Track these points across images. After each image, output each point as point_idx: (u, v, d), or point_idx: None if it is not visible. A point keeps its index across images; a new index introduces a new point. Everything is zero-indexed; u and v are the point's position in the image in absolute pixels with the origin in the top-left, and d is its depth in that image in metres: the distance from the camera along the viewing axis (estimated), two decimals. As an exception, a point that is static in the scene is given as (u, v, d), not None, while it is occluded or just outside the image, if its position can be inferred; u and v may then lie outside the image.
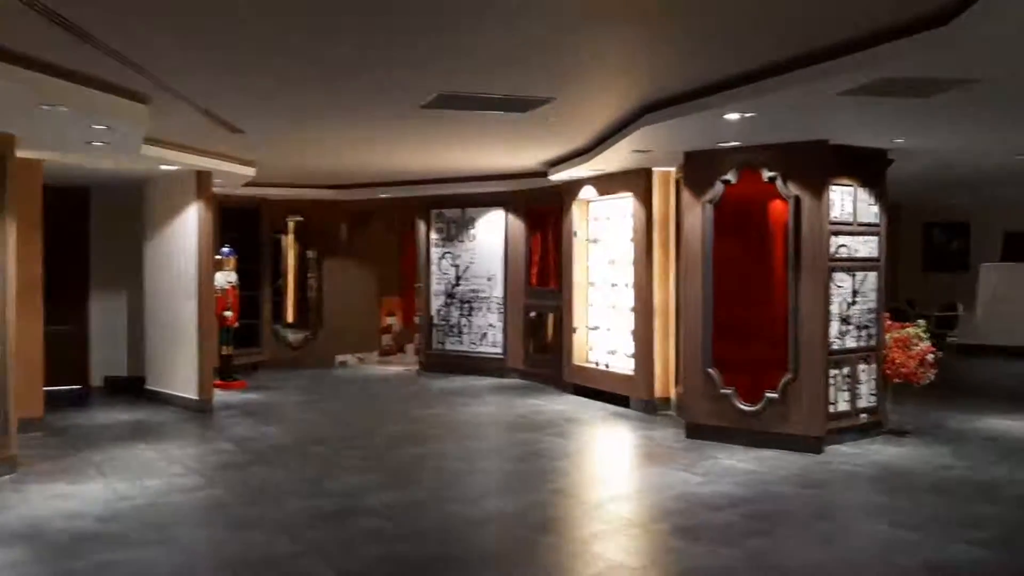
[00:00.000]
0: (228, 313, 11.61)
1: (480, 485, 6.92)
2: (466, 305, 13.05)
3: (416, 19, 4.56)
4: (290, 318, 14.10)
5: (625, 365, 10.21)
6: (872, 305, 8.30)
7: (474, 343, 12.97)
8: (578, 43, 5.07)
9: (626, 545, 5.41)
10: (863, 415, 8.19)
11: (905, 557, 5.06)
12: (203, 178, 10.00)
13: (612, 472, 7.62)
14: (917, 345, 8.51)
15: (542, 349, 12.15)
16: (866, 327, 8.24)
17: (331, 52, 5.21)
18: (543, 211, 12.05)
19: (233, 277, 11.80)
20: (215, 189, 10.48)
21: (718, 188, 8.22)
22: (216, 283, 11.03)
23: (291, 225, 14.05)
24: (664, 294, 9.80)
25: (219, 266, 11.41)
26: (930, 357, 8.50)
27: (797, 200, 7.83)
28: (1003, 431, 8.66)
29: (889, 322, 8.61)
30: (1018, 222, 14.59)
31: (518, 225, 12.53)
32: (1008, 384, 11.64)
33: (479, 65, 5.57)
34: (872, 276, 8.30)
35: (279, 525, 5.73)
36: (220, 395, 10.70)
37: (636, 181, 9.86)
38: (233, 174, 10.22)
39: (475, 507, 6.15)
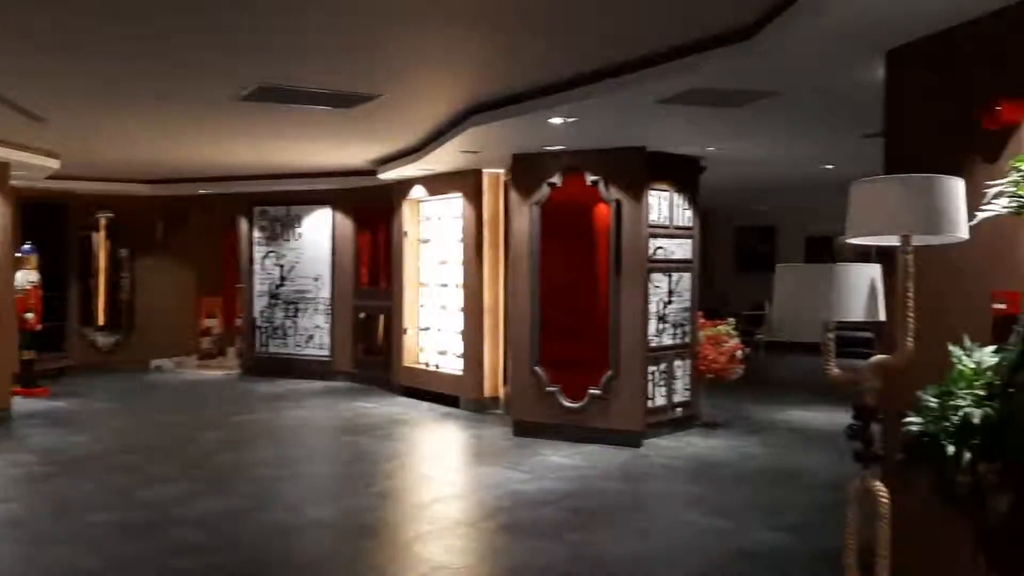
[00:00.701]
0: (29, 315, 10.77)
1: (301, 491, 6.73)
2: (291, 306, 12.68)
3: (232, 4, 4.38)
4: (100, 320, 13.24)
5: (455, 365, 10.23)
6: (687, 304, 8.69)
7: (300, 345, 12.63)
8: (405, 40, 5.03)
9: (451, 545, 5.40)
10: (678, 409, 8.58)
11: (718, 544, 5.33)
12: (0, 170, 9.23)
13: (439, 473, 7.61)
14: (727, 342, 9.02)
15: (372, 351, 11.99)
16: (681, 325, 8.62)
17: (134, 33, 4.91)
18: (372, 210, 11.89)
19: (35, 276, 10.96)
20: (14, 182, 9.68)
21: (544, 190, 8.38)
22: (16, 283, 10.20)
23: (102, 221, 13.19)
24: (493, 294, 9.90)
25: (19, 265, 10.56)
26: (739, 353, 9.03)
27: (618, 204, 8.10)
28: (802, 421, 9.29)
29: (702, 320, 9.06)
30: (818, 227, 15.76)
31: (346, 224, 12.31)
32: (805, 378, 12.50)
33: (302, 57, 5.43)
34: (687, 277, 8.69)
35: (84, 539, 5.35)
36: (20, 403, 9.89)
37: (466, 181, 9.91)
38: (34, 166, 9.47)
39: (295, 514, 5.98)
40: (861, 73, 4.77)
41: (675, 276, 8.54)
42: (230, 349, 14.20)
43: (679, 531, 5.67)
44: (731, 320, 9.47)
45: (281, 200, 12.56)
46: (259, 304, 12.89)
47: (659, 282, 8.35)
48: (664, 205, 8.37)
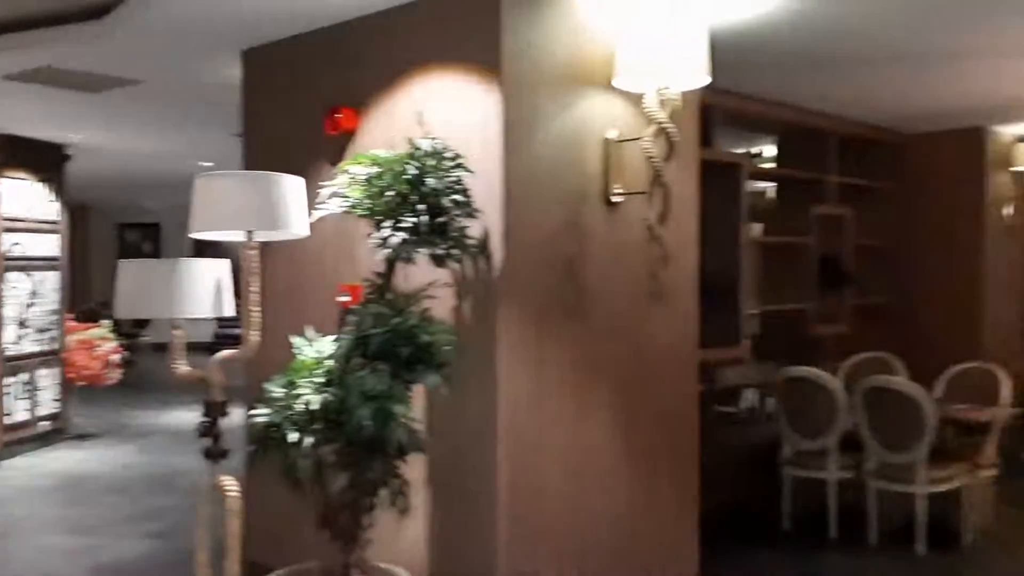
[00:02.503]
0: None
1: None
2: None
3: None
4: None
5: None
6: (54, 307, 7.92)
7: None
8: None
9: None
10: (44, 423, 7.77)
11: (75, 565, 4.89)
12: None
13: None
14: (102, 346, 8.45)
15: None
16: (47, 330, 7.83)
17: None
18: None
19: None
20: None
21: None
22: None
23: None
24: None
25: None
26: (115, 357, 8.52)
27: (-39, 191, 7.03)
28: (183, 422, 9.08)
29: (73, 323, 8.37)
30: (205, 226, 15.75)
31: None
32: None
33: None
34: (53, 276, 7.93)
35: None
36: None
37: None
38: None
39: None
40: (222, 70, 4.79)
41: (37, 276, 7.73)
42: None
43: (32, 556, 5.11)
44: (107, 323, 8.88)
45: None
46: None
47: (17, 282, 7.48)
48: (22, 196, 7.51)
